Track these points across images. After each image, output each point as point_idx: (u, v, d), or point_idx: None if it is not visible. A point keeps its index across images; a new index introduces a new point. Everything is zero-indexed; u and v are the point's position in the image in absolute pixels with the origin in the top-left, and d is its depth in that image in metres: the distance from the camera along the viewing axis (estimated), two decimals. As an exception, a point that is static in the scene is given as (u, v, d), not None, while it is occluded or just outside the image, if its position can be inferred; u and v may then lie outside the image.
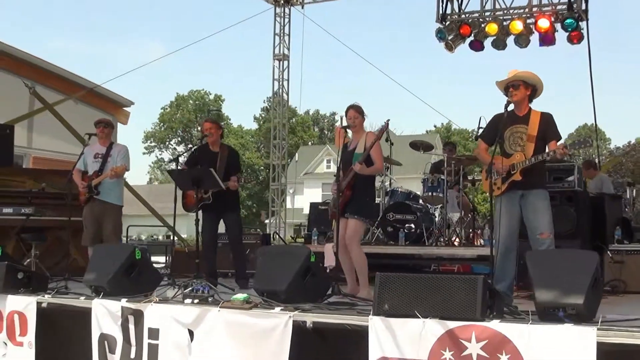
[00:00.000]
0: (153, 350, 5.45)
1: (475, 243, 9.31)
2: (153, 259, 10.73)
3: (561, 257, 4.69)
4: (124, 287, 5.99)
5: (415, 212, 9.19)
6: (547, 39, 10.95)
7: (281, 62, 16.06)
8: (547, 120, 5.99)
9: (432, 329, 4.36)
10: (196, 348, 5.28)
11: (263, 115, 58.30)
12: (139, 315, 5.57)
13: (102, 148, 8.08)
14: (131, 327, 5.59)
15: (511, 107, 6.03)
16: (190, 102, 62.26)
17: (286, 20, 15.88)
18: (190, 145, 55.80)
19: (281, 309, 5.09)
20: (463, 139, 50.42)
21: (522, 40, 11.14)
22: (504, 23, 11.20)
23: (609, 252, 7.42)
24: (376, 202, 8.84)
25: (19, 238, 8.79)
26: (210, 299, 5.53)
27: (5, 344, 6.32)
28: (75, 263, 8.41)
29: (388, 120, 6.80)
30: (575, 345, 3.98)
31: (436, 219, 9.41)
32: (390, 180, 10.66)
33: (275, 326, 4.93)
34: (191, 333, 5.32)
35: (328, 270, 7.87)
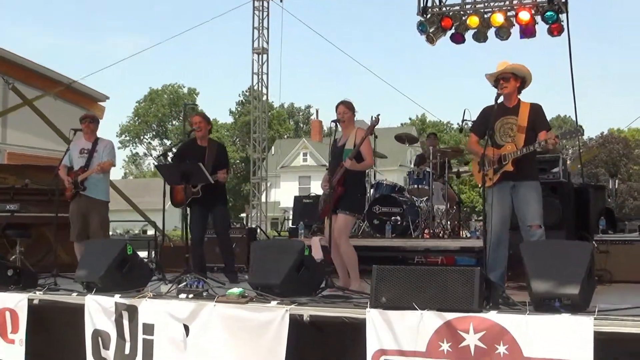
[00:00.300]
0: (148, 345, 5.43)
1: (461, 235, 9.37)
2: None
3: (556, 248, 4.74)
4: (116, 282, 5.95)
5: (401, 204, 9.22)
6: (527, 32, 11.00)
7: (260, 56, 16.04)
8: (536, 111, 6.07)
9: (430, 320, 4.38)
10: (192, 343, 5.25)
11: (239, 109, 58.03)
12: (133, 311, 5.54)
13: (88, 143, 8.02)
14: (125, 322, 5.56)
15: (501, 99, 6.08)
16: (165, 96, 61.84)
17: (265, 13, 15.88)
18: (165, 140, 55.44)
19: (277, 303, 5.08)
20: (438, 131, 50.59)
21: (503, 32, 11.17)
22: (485, 16, 11.25)
23: (594, 242, 7.50)
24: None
25: (3, 234, 8.69)
26: (204, 294, 5.51)
27: (-3, 341, 6.26)
28: (60, 259, 8.32)
29: (378, 115, 6.73)
30: (572, 335, 4.02)
31: (421, 212, 9.46)
32: (374, 173, 10.69)
33: (272, 320, 4.93)
34: (187, 328, 5.30)
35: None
